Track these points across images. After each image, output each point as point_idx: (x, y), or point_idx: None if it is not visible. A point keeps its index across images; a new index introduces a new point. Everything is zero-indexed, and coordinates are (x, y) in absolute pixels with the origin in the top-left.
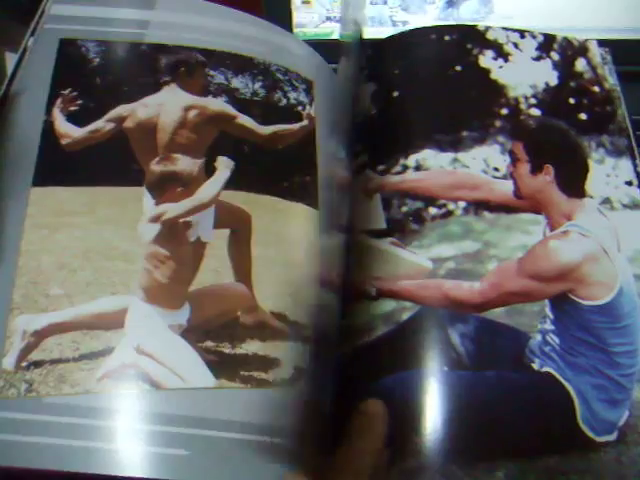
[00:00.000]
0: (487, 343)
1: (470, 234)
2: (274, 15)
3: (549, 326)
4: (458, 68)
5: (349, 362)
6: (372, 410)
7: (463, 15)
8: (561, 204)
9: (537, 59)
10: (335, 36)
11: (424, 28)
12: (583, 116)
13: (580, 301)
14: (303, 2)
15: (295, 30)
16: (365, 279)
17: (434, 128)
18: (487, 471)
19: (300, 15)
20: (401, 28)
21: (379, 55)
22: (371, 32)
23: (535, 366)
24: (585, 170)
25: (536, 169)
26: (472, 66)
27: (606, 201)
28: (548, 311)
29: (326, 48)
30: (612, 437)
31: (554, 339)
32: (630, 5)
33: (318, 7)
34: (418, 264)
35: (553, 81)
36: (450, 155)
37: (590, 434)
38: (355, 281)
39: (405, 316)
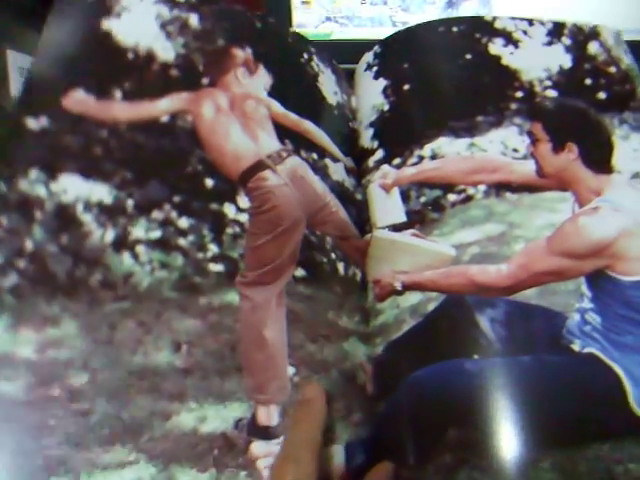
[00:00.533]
0: (520, 327)
1: (493, 217)
2: (274, 15)
3: (588, 304)
4: (468, 56)
5: (383, 359)
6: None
7: (463, 15)
8: (588, 180)
9: (548, 44)
10: (335, 36)
11: (431, 22)
12: (602, 95)
13: (619, 277)
14: (303, 2)
15: (295, 30)
16: (391, 274)
17: (448, 116)
18: (530, 462)
19: (300, 15)
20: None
21: (387, 51)
22: (372, 33)
23: (576, 347)
24: (610, 146)
25: (558, 147)
26: (482, 54)
27: (636, 175)
28: (585, 289)
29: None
30: None
31: (595, 318)
32: (632, 5)
33: (318, 7)
34: (440, 252)
35: (567, 64)
36: (466, 140)
37: None
38: (381, 278)
39: (432, 307)
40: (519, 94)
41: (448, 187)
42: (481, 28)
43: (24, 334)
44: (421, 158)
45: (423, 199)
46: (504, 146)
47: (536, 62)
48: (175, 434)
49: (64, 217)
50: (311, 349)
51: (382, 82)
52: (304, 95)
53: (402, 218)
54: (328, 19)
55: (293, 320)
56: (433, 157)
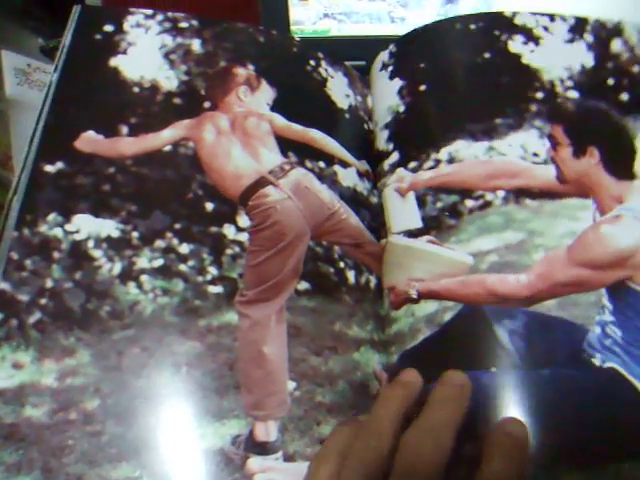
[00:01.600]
0: (539, 339)
1: (512, 224)
2: (271, 12)
3: (608, 317)
4: (487, 55)
5: (397, 368)
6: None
7: (462, 11)
8: (610, 187)
9: (570, 41)
10: (333, 33)
11: (448, 19)
12: (624, 96)
13: None
14: None
15: (292, 27)
16: (406, 282)
17: (465, 118)
18: None
19: (297, 12)
20: (421, 23)
21: (403, 51)
22: (370, 29)
23: (596, 362)
24: (632, 150)
25: (579, 152)
26: (502, 52)
27: None
28: (606, 301)
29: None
30: None
31: (616, 331)
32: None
33: (315, 4)
34: (457, 260)
35: (589, 63)
36: (485, 144)
37: None
38: (396, 285)
39: (448, 317)
40: (539, 95)
41: (466, 192)
42: (500, 24)
43: (47, 365)
44: (438, 162)
45: (440, 204)
46: (524, 150)
47: (557, 60)
48: (174, 451)
49: (78, 255)
50: (314, 362)
51: (398, 82)
52: (311, 103)
53: (418, 224)
54: (326, 16)
55: (295, 334)
56: (450, 161)
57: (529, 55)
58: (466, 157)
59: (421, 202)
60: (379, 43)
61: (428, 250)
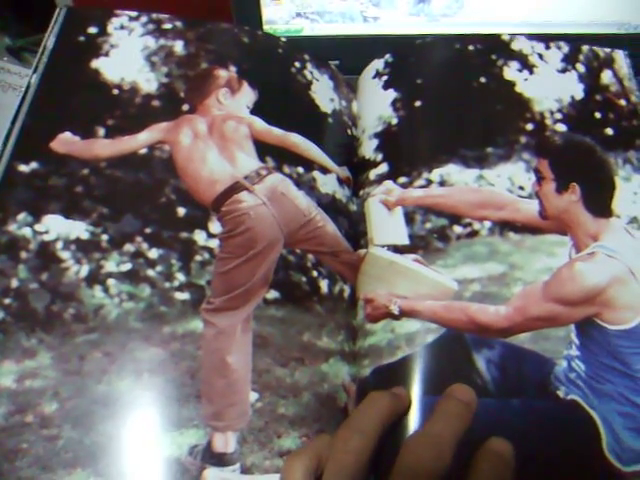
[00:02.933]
0: (513, 369)
1: (495, 255)
2: (243, 11)
3: (575, 352)
4: (483, 80)
5: (369, 381)
6: None
7: (434, 10)
8: (587, 224)
9: (562, 71)
10: (306, 32)
11: (448, 37)
12: (609, 131)
13: (606, 326)
14: None
15: (265, 27)
16: (387, 296)
17: (460, 142)
18: None
19: (270, 11)
20: (424, 34)
21: (400, 63)
22: (342, 28)
23: (561, 394)
24: (612, 188)
25: (562, 188)
26: (497, 78)
27: (633, 220)
28: (574, 336)
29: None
30: None
31: (580, 365)
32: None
33: (288, 3)
34: (443, 284)
35: (579, 94)
36: (476, 172)
37: (617, 464)
38: (375, 298)
39: (430, 338)
40: (530, 126)
41: (455, 218)
42: (497, 48)
43: (6, 366)
44: (429, 182)
45: (429, 225)
46: (511, 182)
47: (549, 91)
48: (131, 459)
49: (45, 255)
50: (279, 373)
51: (392, 93)
52: (294, 106)
53: (404, 240)
54: (298, 15)
55: (261, 344)
56: (442, 183)
57: (523, 84)
58: (457, 182)
59: (409, 219)
60: (352, 42)
61: (414, 269)
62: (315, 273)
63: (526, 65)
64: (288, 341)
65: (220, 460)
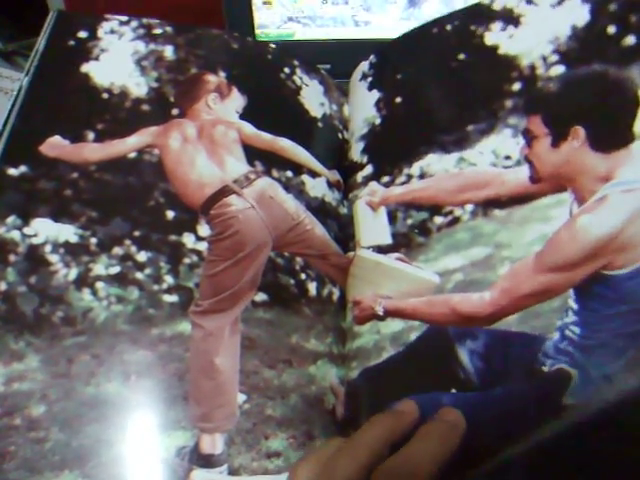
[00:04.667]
0: (497, 357)
1: (479, 239)
2: (235, 16)
3: (571, 318)
4: (462, 56)
5: (358, 384)
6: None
7: (425, 15)
8: (596, 167)
9: (559, 3)
10: (298, 36)
11: (425, 25)
12: (630, 40)
13: (617, 273)
14: (264, 3)
15: (257, 31)
16: (373, 297)
17: (437, 129)
18: None
19: (261, 16)
20: (408, 28)
21: (382, 61)
22: (333, 33)
23: (546, 369)
24: (634, 107)
25: (560, 138)
26: (477, 48)
27: None
28: (571, 302)
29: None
30: None
31: (575, 330)
32: None
33: (279, 8)
34: (424, 279)
35: (582, 19)
36: (455, 155)
37: None
38: (362, 300)
39: (413, 336)
40: (516, 87)
41: (435, 209)
42: (477, 17)
43: None
44: (409, 177)
45: (410, 221)
46: (495, 155)
47: (541, 35)
48: (119, 461)
49: (34, 259)
50: (267, 375)
51: (375, 94)
52: (283, 112)
53: (388, 240)
54: (290, 19)
55: (249, 346)
56: (422, 176)
57: (507, 43)
58: (437, 171)
59: (392, 218)
60: (343, 47)
61: (396, 267)
62: (303, 276)
63: (511, 19)
64: (276, 343)
65: (207, 461)
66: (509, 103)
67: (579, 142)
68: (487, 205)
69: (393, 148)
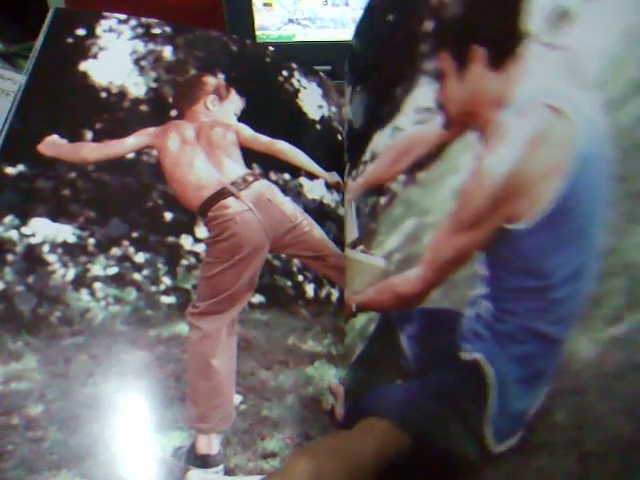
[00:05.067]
0: (428, 338)
1: (410, 210)
2: (236, 18)
3: (482, 289)
4: (390, 17)
5: (345, 383)
6: None
7: None
8: (495, 90)
9: None
10: (298, 38)
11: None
12: None
13: (522, 226)
14: (264, 4)
15: (257, 33)
16: (351, 294)
17: (376, 105)
18: None
19: (262, 18)
20: None
21: (350, 56)
22: (334, 34)
23: (466, 356)
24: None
25: (463, 65)
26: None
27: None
28: (482, 267)
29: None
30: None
31: (487, 306)
32: None
33: (280, 9)
34: (373, 265)
35: None
36: (390, 126)
37: (490, 442)
38: (347, 298)
39: (372, 328)
40: (428, 26)
41: (380, 190)
42: None
43: None
44: (365, 164)
45: (367, 210)
46: (417, 112)
47: None
48: (116, 461)
49: (32, 258)
50: (263, 376)
51: (349, 90)
52: (281, 114)
53: (355, 234)
54: (290, 21)
55: (245, 347)
56: (372, 159)
57: None
58: (381, 150)
59: (359, 211)
60: (344, 48)
61: (358, 259)
62: (301, 277)
63: None
64: (272, 344)
65: (204, 462)
66: (424, 48)
67: (481, 64)
68: (413, 170)
69: (355, 140)
